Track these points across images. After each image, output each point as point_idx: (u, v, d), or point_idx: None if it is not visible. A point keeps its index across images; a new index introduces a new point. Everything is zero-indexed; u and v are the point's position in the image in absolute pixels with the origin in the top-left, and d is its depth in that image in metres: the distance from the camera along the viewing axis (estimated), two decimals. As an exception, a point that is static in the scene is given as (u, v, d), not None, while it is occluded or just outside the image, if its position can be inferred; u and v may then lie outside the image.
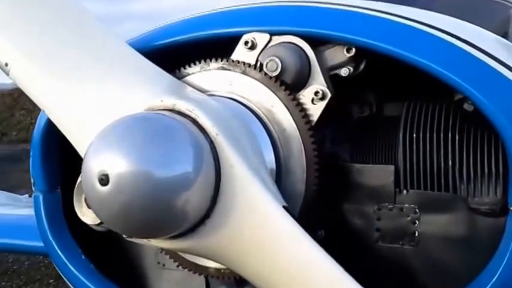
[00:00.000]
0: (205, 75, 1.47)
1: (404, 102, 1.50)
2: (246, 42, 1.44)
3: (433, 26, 1.38)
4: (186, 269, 1.50)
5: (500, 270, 1.24)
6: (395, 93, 1.60)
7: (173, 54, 1.56)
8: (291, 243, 1.15)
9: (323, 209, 1.49)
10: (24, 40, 1.38)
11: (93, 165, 1.09)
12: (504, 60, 1.32)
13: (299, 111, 1.38)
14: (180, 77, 1.47)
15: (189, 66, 1.48)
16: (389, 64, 1.36)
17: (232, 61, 1.44)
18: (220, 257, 1.24)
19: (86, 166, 1.11)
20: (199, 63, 1.47)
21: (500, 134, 1.24)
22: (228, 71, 1.44)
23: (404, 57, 1.31)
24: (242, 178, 1.17)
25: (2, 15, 1.37)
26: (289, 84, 1.39)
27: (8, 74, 1.40)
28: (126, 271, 1.75)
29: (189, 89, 1.36)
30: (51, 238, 1.71)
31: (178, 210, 1.12)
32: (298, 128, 1.37)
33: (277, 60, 1.37)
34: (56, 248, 1.72)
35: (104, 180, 1.06)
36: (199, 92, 1.35)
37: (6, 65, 1.38)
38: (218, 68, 1.45)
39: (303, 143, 1.37)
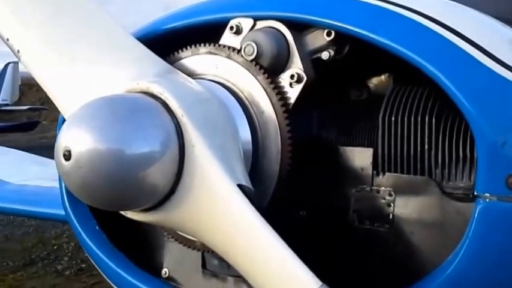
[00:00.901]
0: (195, 59, 1.54)
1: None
2: (232, 28, 1.50)
3: (411, 9, 1.37)
4: (176, 240, 1.59)
5: (459, 257, 1.23)
6: (390, 77, 1.61)
7: (172, 40, 1.65)
8: (240, 220, 1.21)
9: (306, 190, 1.53)
10: (33, 29, 1.51)
11: (61, 140, 1.20)
12: (480, 44, 1.29)
13: (276, 94, 1.42)
14: (173, 61, 1.56)
15: (182, 50, 1.56)
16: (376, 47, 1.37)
17: (219, 45, 1.50)
18: (185, 230, 1.33)
19: (56, 141, 1.22)
20: (191, 47, 1.54)
21: (464, 115, 1.23)
22: (215, 55, 1.51)
23: (369, 39, 1.32)
24: (202, 157, 1.25)
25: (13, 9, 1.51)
26: (267, 68, 1.43)
27: (20, 60, 1.56)
28: (135, 242, 1.88)
29: (173, 73, 1.44)
30: (69, 208, 1.87)
31: (141, 186, 1.22)
32: (274, 111, 1.42)
33: (253, 44, 1.42)
34: (73, 217, 1.87)
35: (67, 155, 1.17)
36: (179, 76, 1.43)
37: (18, 51, 1.53)
38: (206, 53, 1.52)
39: (278, 125, 1.42)
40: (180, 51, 1.56)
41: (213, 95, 1.41)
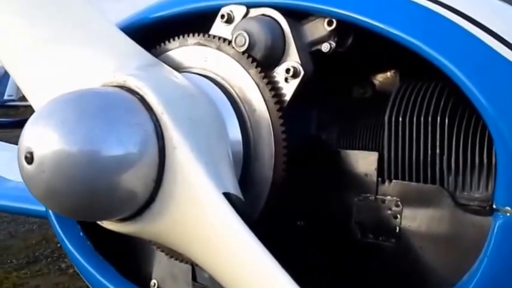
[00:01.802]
0: (183, 50, 1.40)
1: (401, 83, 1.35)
2: (223, 16, 1.35)
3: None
4: (164, 253, 1.45)
5: (475, 279, 1.07)
6: (397, 72, 1.45)
7: (161, 30, 1.50)
8: (225, 233, 1.06)
9: (304, 197, 1.38)
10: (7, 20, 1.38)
11: (22, 141, 1.06)
12: (500, 34, 1.13)
13: (269, 90, 1.27)
14: (159, 53, 1.42)
15: (169, 41, 1.42)
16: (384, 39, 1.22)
17: (208, 36, 1.36)
18: (167, 242, 1.18)
19: (19, 141, 1.08)
20: (179, 38, 1.40)
21: (482, 116, 1.07)
22: (204, 47, 1.36)
23: (375, 28, 1.17)
24: (184, 161, 1.10)
25: None
26: (261, 61, 1.28)
27: None
28: (123, 250, 1.74)
29: (157, 66, 1.30)
30: (50, 212, 1.73)
31: (113, 194, 1.07)
32: (268, 109, 1.27)
33: (244, 34, 1.27)
34: (55, 222, 1.74)
35: (29, 158, 1.03)
36: (163, 69, 1.28)
37: None
38: (195, 44, 1.38)
39: (272, 125, 1.27)
40: (167, 42, 1.42)
41: (200, 90, 1.26)
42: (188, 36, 1.38)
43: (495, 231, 1.06)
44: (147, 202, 1.13)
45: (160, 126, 1.12)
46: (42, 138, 1.04)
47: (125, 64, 1.27)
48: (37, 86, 1.33)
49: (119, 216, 1.15)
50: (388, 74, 1.48)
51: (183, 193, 1.10)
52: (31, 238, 8.21)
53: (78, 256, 1.69)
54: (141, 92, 1.14)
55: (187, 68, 1.38)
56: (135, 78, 1.16)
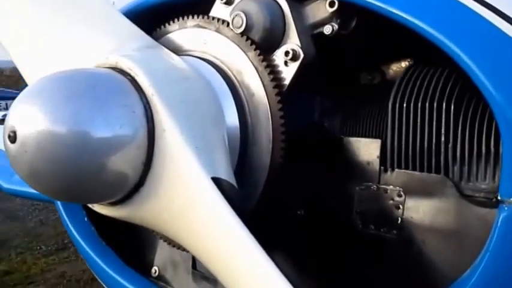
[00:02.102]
0: (183, 33, 1.36)
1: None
2: (223, -3, 1.31)
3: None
4: (163, 240, 1.43)
5: (477, 272, 1.01)
6: (408, 58, 1.38)
7: (165, 13, 1.47)
8: (213, 219, 1.02)
9: (305, 185, 1.33)
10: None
11: (8, 120, 1.03)
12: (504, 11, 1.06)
13: (268, 74, 1.22)
14: (160, 36, 1.39)
15: (169, 24, 1.38)
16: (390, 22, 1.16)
17: (208, 18, 1.31)
18: (156, 227, 1.15)
19: (6, 119, 1.06)
20: (178, 20, 1.36)
21: (488, 102, 1.00)
22: (203, 29, 1.32)
23: (376, 8, 1.11)
24: (173, 144, 1.06)
25: None
26: (259, 43, 1.23)
27: None
28: (126, 237, 1.72)
29: (155, 48, 1.26)
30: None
31: (99, 176, 1.04)
32: (266, 93, 1.22)
33: (242, 15, 1.23)
34: (60, 206, 1.73)
35: (12, 137, 1.01)
36: (160, 52, 1.25)
37: None
38: (195, 26, 1.34)
39: (270, 109, 1.22)
40: (167, 24, 1.38)
41: (197, 73, 1.22)
42: (188, 18, 1.34)
43: (499, 223, 0.99)
44: (136, 186, 1.10)
45: (150, 108, 1.08)
46: (26, 117, 1.02)
47: (122, 45, 1.24)
48: (34, 66, 1.32)
49: (107, 199, 1.13)
50: (398, 59, 1.42)
51: (171, 177, 1.07)
52: (61, 226, 8.34)
53: (81, 242, 1.68)
54: (132, 73, 1.11)
55: (187, 51, 1.34)
56: (127, 59, 1.13)
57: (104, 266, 1.64)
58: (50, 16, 1.30)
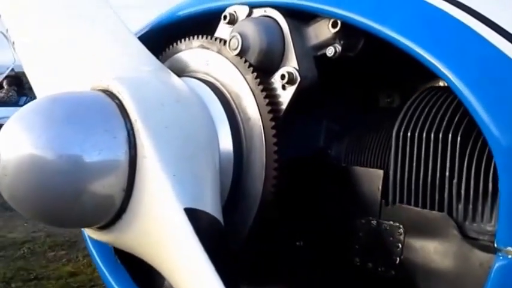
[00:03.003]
0: (189, 53, 1.33)
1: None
2: (225, 17, 1.27)
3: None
4: None
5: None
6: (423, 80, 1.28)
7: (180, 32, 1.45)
8: (179, 249, 0.98)
9: (305, 216, 1.26)
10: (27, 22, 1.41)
11: None
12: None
13: (264, 98, 1.17)
14: (168, 55, 1.37)
15: (176, 44, 1.36)
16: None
17: (211, 38, 1.28)
18: (139, 254, 1.12)
19: None
20: (185, 40, 1.34)
21: (485, 138, 0.90)
22: (206, 50, 1.29)
23: (376, 32, 1.03)
24: (151, 171, 1.03)
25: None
26: (257, 66, 1.18)
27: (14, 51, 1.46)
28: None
29: (159, 71, 1.25)
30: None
31: (79, 202, 1.03)
32: (261, 117, 1.17)
33: (238, 37, 1.18)
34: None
35: None
36: (160, 74, 1.22)
37: (13, 43, 1.43)
38: (199, 46, 1.31)
39: (264, 135, 1.16)
40: (174, 44, 1.36)
41: (192, 96, 1.19)
42: (193, 38, 1.31)
43: (492, 274, 0.88)
44: (119, 212, 1.08)
45: (134, 133, 1.06)
46: (8, 141, 1.03)
47: (125, 67, 1.24)
48: (44, 86, 1.34)
49: (91, 225, 1.12)
50: (418, 80, 1.32)
51: (149, 205, 1.04)
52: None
53: (96, 256, 1.68)
54: (120, 97, 1.09)
55: (190, 72, 1.31)
56: (117, 83, 1.11)
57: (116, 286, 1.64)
58: (65, 35, 1.32)
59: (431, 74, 1.27)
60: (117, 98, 1.09)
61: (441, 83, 1.30)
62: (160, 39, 1.43)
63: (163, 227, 1.01)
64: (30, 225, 6.10)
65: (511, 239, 0.88)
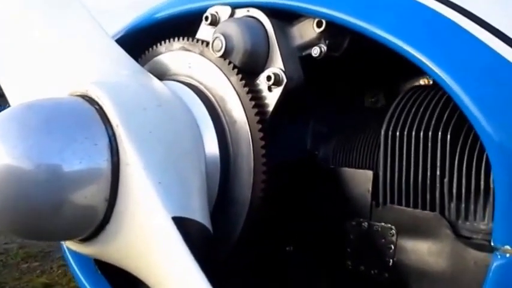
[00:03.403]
0: (169, 56, 1.29)
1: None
2: (207, 18, 1.24)
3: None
4: None
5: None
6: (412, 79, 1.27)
7: (159, 33, 1.41)
8: (168, 260, 0.95)
9: (294, 220, 1.23)
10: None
11: None
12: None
13: (250, 100, 1.14)
14: (148, 58, 1.33)
15: (156, 46, 1.32)
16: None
17: (192, 40, 1.24)
18: (124, 266, 1.08)
19: None
20: (165, 43, 1.30)
21: (478, 134, 0.89)
22: (188, 52, 1.25)
23: (362, 30, 1.01)
24: (135, 179, 0.99)
25: None
26: (242, 67, 1.15)
27: None
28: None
29: (138, 74, 1.20)
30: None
31: (57, 213, 0.98)
32: (247, 120, 1.14)
33: (221, 38, 1.15)
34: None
35: None
36: (140, 78, 1.18)
37: None
38: (180, 48, 1.27)
39: (251, 138, 1.13)
40: (154, 47, 1.32)
41: (175, 100, 1.15)
42: (174, 40, 1.28)
43: (490, 274, 0.87)
44: (102, 223, 1.03)
45: (115, 140, 1.02)
46: None
47: (103, 71, 1.19)
48: (18, 93, 1.28)
49: (71, 237, 1.07)
50: (402, 79, 1.31)
51: (134, 214, 1.00)
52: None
53: (76, 269, 1.62)
54: (100, 102, 1.05)
55: (172, 75, 1.27)
56: (96, 87, 1.07)
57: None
58: (38, 37, 1.27)
59: (416, 73, 1.27)
60: (97, 103, 1.05)
61: (426, 81, 1.29)
62: (139, 42, 1.39)
63: (150, 238, 0.97)
64: (2, 237, 5.95)
65: (508, 237, 0.86)
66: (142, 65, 1.30)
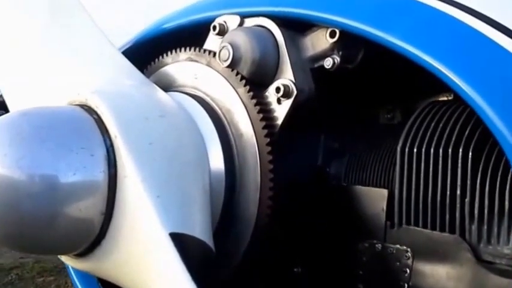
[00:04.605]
0: (175, 66, 1.25)
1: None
2: (214, 27, 1.19)
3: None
4: None
5: None
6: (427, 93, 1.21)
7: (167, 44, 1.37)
8: (164, 278, 0.88)
9: (303, 240, 1.16)
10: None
11: None
12: None
13: (258, 112, 1.08)
14: (154, 69, 1.28)
15: (162, 57, 1.27)
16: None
17: (199, 50, 1.19)
18: (119, 282, 1.02)
19: None
20: (171, 53, 1.25)
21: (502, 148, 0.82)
22: (194, 63, 1.20)
23: (379, 40, 0.95)
24: (133, 192, 0.94)
25: None
26: (250, 78, 1.10)
27: None
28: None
29: (144, 85, 1.16)
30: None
31: (50, 226, 0.93)
32: (255, 134, 1.08)
33: (229, 47, 1.09)
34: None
35: None
36: (146, 89, 1.13)
37: None
38: (186, 59, 1.22)
39: (258, 152, 1.07)
40: (160, 57, 1.27)
41: (179, 112, 1.10)
42: (180, 51, 1.23)
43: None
44: (98, 237, 0.98)
45: (113, 151, 0.96)
46: None
47: (106, 81, 1.15)
48: (17, 101, 1.24)
49: (66, 252, 1.02)
50: (419, 95, 1.24)
51: (131, 229, 0.94)
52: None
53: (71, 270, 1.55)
54: (98, 112, 1.00)
55: (178, 86, 1.22)
56: (95, 96, 1.02)
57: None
58: (41, 45, 1.23)
59: (435, 89, 1.21)
60: (95, 113, 1.00)
61: (445, 97, 1.23)
62: (147, 54, 1.35)
63: (146, 254, 0.91)
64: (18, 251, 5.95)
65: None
66: (148, 75, 1.25)
